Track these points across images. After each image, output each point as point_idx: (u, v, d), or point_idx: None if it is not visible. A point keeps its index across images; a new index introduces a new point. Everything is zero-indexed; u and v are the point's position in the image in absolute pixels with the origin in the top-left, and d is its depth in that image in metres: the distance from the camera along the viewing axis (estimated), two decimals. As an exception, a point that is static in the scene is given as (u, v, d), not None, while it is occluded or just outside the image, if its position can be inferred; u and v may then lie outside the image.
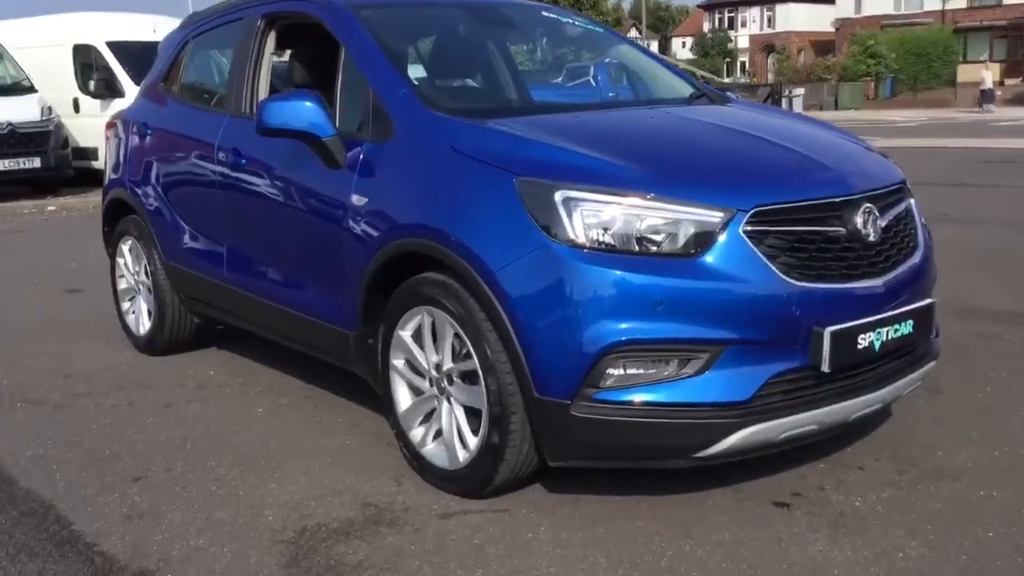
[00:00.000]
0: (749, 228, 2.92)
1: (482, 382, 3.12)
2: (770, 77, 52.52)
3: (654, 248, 2.92)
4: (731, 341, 2.90)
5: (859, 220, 3.08)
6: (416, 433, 3.49)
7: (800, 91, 34.92)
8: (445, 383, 3.33)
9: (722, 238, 2.90)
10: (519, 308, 2.98)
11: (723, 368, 2.91)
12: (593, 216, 2.93)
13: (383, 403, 3.66)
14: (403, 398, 3.54)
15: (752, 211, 2.93)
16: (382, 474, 3.58)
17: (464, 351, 3.22)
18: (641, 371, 2.92)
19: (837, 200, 3.09)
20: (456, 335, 3.23)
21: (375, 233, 3.49)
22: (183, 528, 3.21)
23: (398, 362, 3.51)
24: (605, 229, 2.92)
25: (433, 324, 3.33)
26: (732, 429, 2.91)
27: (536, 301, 2.95)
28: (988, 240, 7.99)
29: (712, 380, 2.91)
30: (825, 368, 2.97)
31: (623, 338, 2.86)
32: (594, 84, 5.47)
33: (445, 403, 3.35)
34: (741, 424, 2.91)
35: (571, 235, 2.92)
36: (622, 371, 2.90)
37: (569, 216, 2.94)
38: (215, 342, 5.39)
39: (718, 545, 2.96)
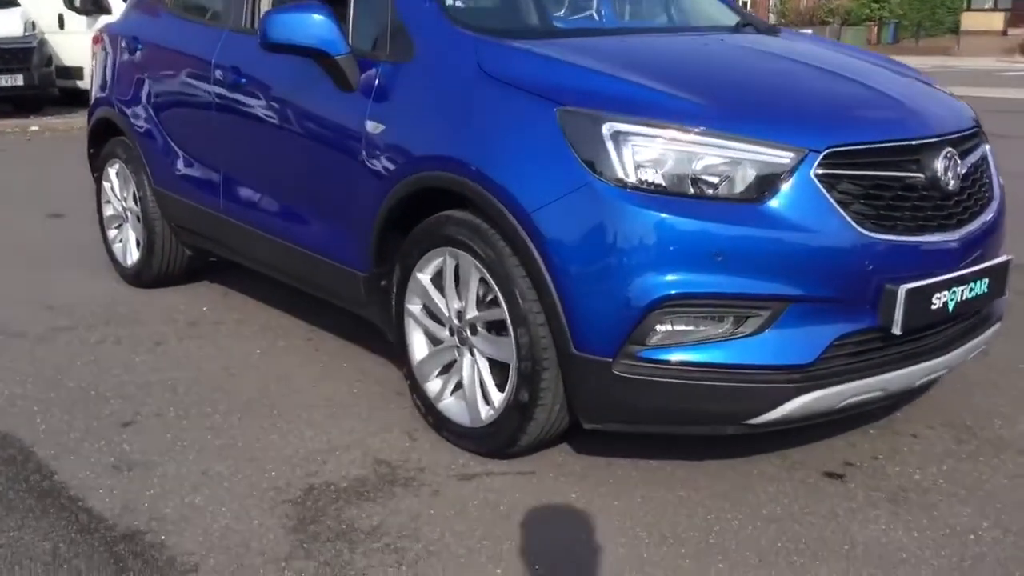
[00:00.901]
0: (821, 171, 2.60)
1: (511, 334, 2.82)
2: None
3: (714, 191, 2.59)
4: (795, 298, 2.59)
5: (939, 166, 2.76)
6: (432, 385, 3.19)
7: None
8: (467, 333, 3.02)
9: (791, 182, 2.58)
10: (557, 254, 2.66)
11: (784, 327, 2.61)
12: (646, 153, 2.60)
13: (396, 351, 3.36)
14: (419, 347, 3.23)
15: (825, 152, 2.61)
16: (393, 427, 3.29)
17: (491, 299, 2.91)
18: (693, 328, 2.61)
19: (916, 143, 2.76)
20: (482, 281, 2.91)
21: (392, 165, 3.15)
22: (177, 482, 2.92)
23: (414, 307, 3.20)
24: (659, 168, 2.59)
25: (456, 267, 3.00)
26: (792, 395, 2.62)
27: (577, 247, 2.63)
28: (1018, 193, 7.66)
29: (771, 340, 2.61)
30: (897, 330, 2.67)
31: (675, 291, 2.55)
32: (597, 19, 5.04)
33: (467, 354, 3.05)
34: (802, 389, 2.62)
35: (620, 173, 2.59)
36: (671, 327, 2.60)
37: (618, 152, 2.60)
38: (207, 275, 5.06)
39: (769, 521, 2.69)
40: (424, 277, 3.13)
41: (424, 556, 2.53)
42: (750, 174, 2.58)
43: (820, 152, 2.60)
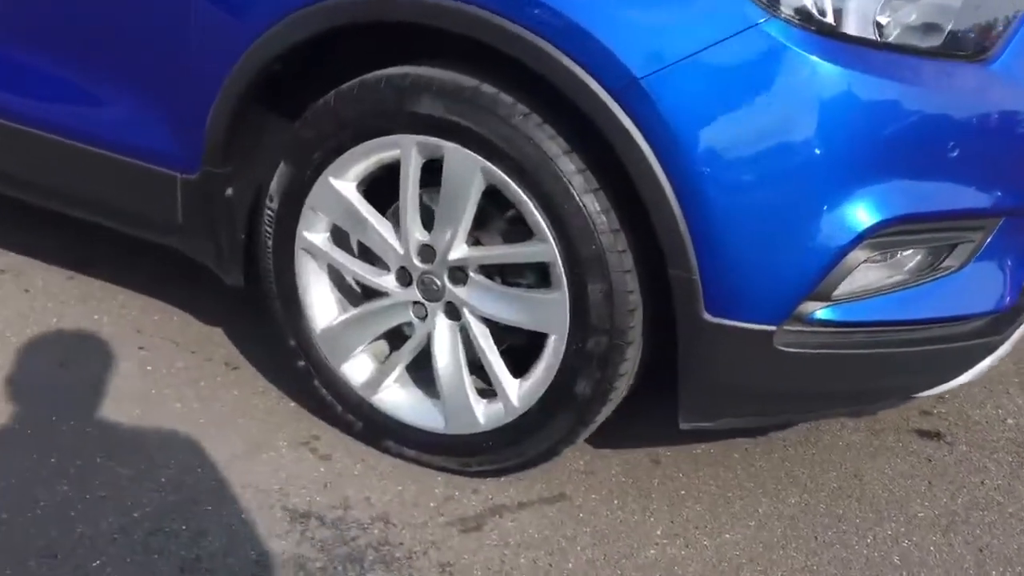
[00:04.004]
0: (1053, 13, 1.69)
1: (564, 287, 1.63)
2: None
3: (943, 46, 1.57)
4: (1013, 211, 1.71)
5: None
6: (356, 367, 1.89)
7: None
8: (444, 282, 1.76)
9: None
10: (688, 151, 1.50)
11: (988, 257, 1.72)
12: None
13: (273, 313, 1.96)
14: (322, 303, 1.89)
15: (1061, -19, 1.70)
16: (278, 437, 1.95)
17: (510, 223, 1.70)
18: (887, 268, 1.64)
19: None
20: (490, 191, 1.67)
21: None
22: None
23: (315, 237, 1.84)
24: (884, 9, 1.51)
25: (429, 167, 1.71)
26: (987, 351, 1.77)
27: (728, 139, 1.50)
28: None
29: (977, 277, 1.71)
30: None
31: (904, 212, 1.54)
32: None
33: (440, 317, 1.79)
34: (998, 341, 1.78)
35: (813, 11, 1.47)
36: (872, 269, 1.61)
37: (811, -26, 1.47)
38: None
39: (939, 529, 1.85)
40: (346, 186, 1.77)
41: None
42: (981, 17, 1.60)
43: (1055, -19, 1.68)
